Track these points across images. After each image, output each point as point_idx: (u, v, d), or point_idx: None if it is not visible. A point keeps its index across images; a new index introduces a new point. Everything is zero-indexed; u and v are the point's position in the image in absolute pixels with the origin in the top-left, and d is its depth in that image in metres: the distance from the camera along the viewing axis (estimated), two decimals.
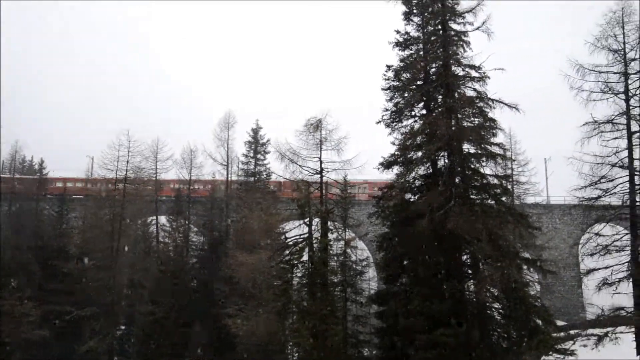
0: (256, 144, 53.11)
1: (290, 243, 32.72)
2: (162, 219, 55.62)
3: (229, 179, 55.03)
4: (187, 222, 53.36)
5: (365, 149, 32.73)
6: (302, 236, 32.33)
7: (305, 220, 32.48)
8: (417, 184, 29.79)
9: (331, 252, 33.67)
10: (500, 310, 28.19)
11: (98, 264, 45.02)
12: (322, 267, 31.40)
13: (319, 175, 32.59)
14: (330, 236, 33.32)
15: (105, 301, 44.37)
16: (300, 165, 32.32)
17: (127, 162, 47.76)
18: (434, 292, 26.66)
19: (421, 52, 29.59)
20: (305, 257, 32.60)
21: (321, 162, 32.50)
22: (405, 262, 29.78)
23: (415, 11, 29.79)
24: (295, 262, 32.24)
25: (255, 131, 53.21)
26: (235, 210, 51.91)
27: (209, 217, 53.40)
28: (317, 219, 32.89)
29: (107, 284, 44.67)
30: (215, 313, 44.52)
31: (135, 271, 47.68)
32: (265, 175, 52.98)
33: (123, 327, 48.55)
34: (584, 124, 28.92)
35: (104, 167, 48.17)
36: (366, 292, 39.81)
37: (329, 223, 33.18)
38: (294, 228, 34.05)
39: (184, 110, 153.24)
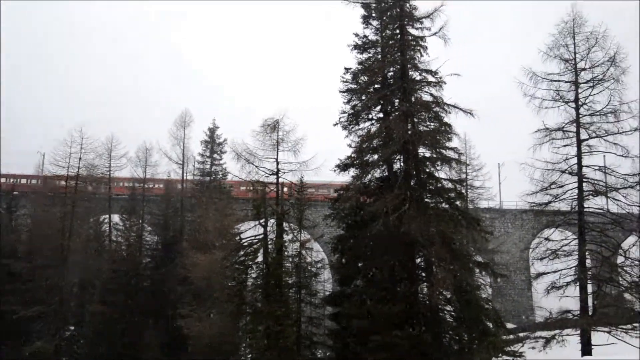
0: (212, 144, 52.75)
1: (245, 244, 32.59)
2: (115, 218, 54.62)
3: (185, 178, 54.43)
4: (141, 221, 52.52)
5: (322, 150, 32.86)
6: (257, 237, 32.23)
7: (261, 221, 32.38)
8: (372, 187, 29.93)
9: (286, 253, 33.72)
10: (452, 313, 28.57)
11: (47, 263, 43.90)
12: (276, 268, 31.36)
13: (275, 176, 32.56)
14: (286, 237, 33.35)
15: (54, 301, 43.31)
16: (256, 166, 32.24)
17: (80, 159, 46.75)
18: (387, 295, 26.83)
19: (379, 56, 29.75)
20: (260, 258, 32.51)
21: (278, 162, 32.46)
22: (360, 264, 29.90)
23: (374, 15, 29.93)
24: (250, 263, 32.13)
25: (212, 130, 52.84)
26: (191, 209, 51.45)
27: (164, 217, 52.69)
28: (272, 220, 32.84)
29: (56, 283, 43.63)
30: (168, 314, 44.01)
31: (86, 271, 46.62)
32: (221, 175, 52.67)
33: (72, 328, 47.43)
34: (536, 131, 29.62)
35: (54, 164, 47.03)
36: (321, 293, 39.92)
37: (284, 224, 33.18)
38: (249, 229, 33.97)
39: (141, 108, 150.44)
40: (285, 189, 35.65)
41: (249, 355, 33.63)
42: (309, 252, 36.66)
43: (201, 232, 41.98)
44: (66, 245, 44.73)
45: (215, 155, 52.81)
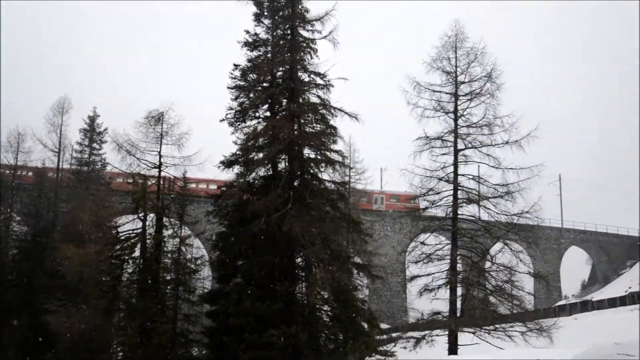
0: (92, 133, 50.36)
1: (122, 238, 31.58)
2: None
3: (61, 166, 51.63)
4: (9, 210, 49.37)
5: (208, 146, 32.42)
6: (135, 231, 31.31)
7: (140, 214, 31.48)
8: (256, 185, 29.89)
9: (165, 249, 32.89)
10: (329, 313, 29.09)
11: None
12: (154, 263, 30.60)
13: (157, 170, 31.78)
14: (165, 232, 32.52)
15: None
16: (138, 158, 31.29)
17: None
18: (266, 293, 26.86)
19: (269, 55, 29.75)
20: (137, 253, 31.64)
21: (160, 156, 31.67)
22: (240, 262, 29.73)
23: (266, 13, 29.83)
24: (126, 257, 31.19)
25: (92, 119, 50.45)
26: (66, 200, 48.95)
27: (35, 206, 49.77)
28: (152, 214, 32.01)
29: None
30: (35, 309, 41.59)
31: None
32: (100, 166, 50.45)
33: None
34: (417, 139, 30.69)
35: None
36: (200, 291, 39.28)
37: (164, 219, 32.43)
38: (128, 222, 32.93)
39: (15, 93, 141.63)
40: (167, 183, 34.83)
41: (120, 353, 32.53)
42: (189, 248, 36.00)
43: (75, 223, 40.07)
44: None
45: (94, 145, 50.42)
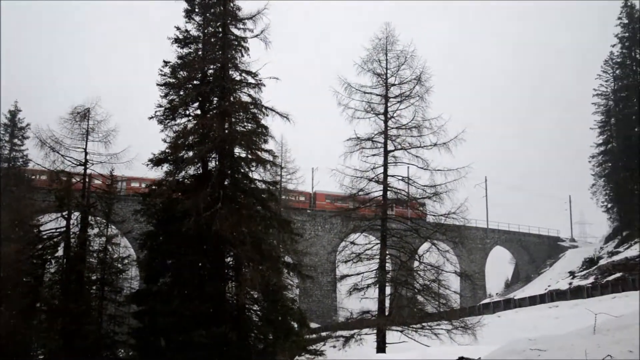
0: (13, 128, 48.62)
1: (45, 236, 30.58)
2: None
3: None
4: None
5: (136, 144, 31.89)
6: (58, 230, 30.40)
7: (64, 213, 30.57)
8: (186, 184, 29.47)
9: (91, 248, 32.12)
10: (259, 312, 29.00)
11: None
12: (78, 263, 29.78)
13: (83, 167, 30.96)
14: (91, 231, 31.82)
15: None
16: (62, 155, 30.49)
17: None
18: (195, 293, 26.54)
19: (200, 52, 29.40)
20: (60, 252, 30.72)
21: (86, 153, 30.92)
22: (169, 262, 29.26)
23: (197, 10, 29.45)
24: (49, 257, 30.24)
25: (13, 114, 48.71)
26: None
27: None
28: (77, 213, 31.16)
29: None
30: None
31: None
32: (21, 162, 48.71)
33: None
34: (347, 140, 30.97)
35: None
36: (127, 291, 38.42)
37: (90, 217, 31.63)
38: (51, 221, 31.94)
39: None
40: (93, 181, 33.93)
41: (41, 357, 31.49)
42: (116, 247, 35.24)
43: None
44: None
45: (15, 141, 48.74)
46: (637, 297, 40.28)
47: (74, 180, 31.50)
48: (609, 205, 79.04)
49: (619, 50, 76.53)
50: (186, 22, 29.54)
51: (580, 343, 9.61)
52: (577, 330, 11.26)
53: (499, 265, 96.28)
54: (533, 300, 59.14)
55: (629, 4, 73.79)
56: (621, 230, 74.19)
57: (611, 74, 78.09)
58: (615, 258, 65.02)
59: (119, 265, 34.34)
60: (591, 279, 62.01)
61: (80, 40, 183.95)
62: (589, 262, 71.84)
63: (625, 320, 10.65)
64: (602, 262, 67.77)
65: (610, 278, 57.85)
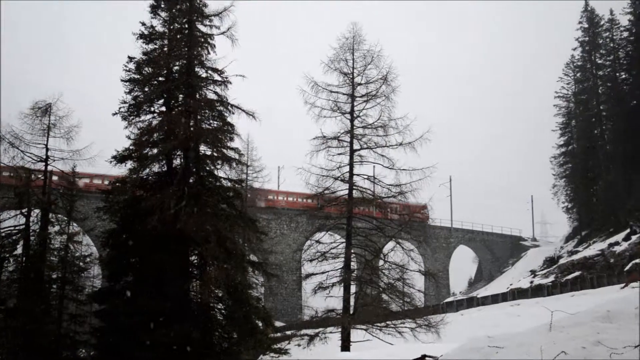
0: None
1: (3, 234, 29.95)
2: None
3: None
4: None
5: (100, 140, 31.48)
6: (17, 227, 29.80)
7: (23, 210, 29.99)
8: (150, 181, 29.14)
9: (51, 246, 31.57)
10: (223, 311, 28.83)
11: None
12: (37, 261, 29.24)
13: (44, 164, 30.41)
14: (52, 229, 31.23)
15: None
16: (22, 151, 29.84)
17: None
18: (158, 291, 26.25)
19: (165, 49, 29.06)
20: (19, 251, 30.13)
21: (47, 149, 30.37)
22: (132, 260, 28.92)
23: (163, 6, 29.10)
24: (7, 255, 29.60)
25: None
26: None
27: None
28: (37, 210, 30.60)
29: None
30: None
31: None
32: None
33: None
34: (313, 138, 30.91)
35: None
36: (89, 290, 37.82)
37: (51, 215, 31.07)
38: (9, 218, 31.27)
39: None
40: (54, 178, 33.33)
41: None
42: (78, 245, 34.65)
43: None
44: None
45: None
46: (594, 295, 41.22)
47: (34, 177, 30.89)
48: (569, 206, 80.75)
49: (579, 54, 78.23)
50: (151, 18, 29.14)
51: (537, 340, 9.79)
52: (534, 328, 11.46)
53: (462, 264, 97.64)
54: (495, 299, 60.02)
55: (589, 8, 75.45)
56: (580, 230, 75.88)
57: (572, 77, 79.79)
58: (575, 257, 66.51)
59: (81, 263, 33.78)
60: (551, 278, 63.32)
61: (44, 35, 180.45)
62: (550, 261, 73.34)
63: (579, 317, 10.90)
64: (562, 261, 69.27)
65: (569, 277, 59.18)
